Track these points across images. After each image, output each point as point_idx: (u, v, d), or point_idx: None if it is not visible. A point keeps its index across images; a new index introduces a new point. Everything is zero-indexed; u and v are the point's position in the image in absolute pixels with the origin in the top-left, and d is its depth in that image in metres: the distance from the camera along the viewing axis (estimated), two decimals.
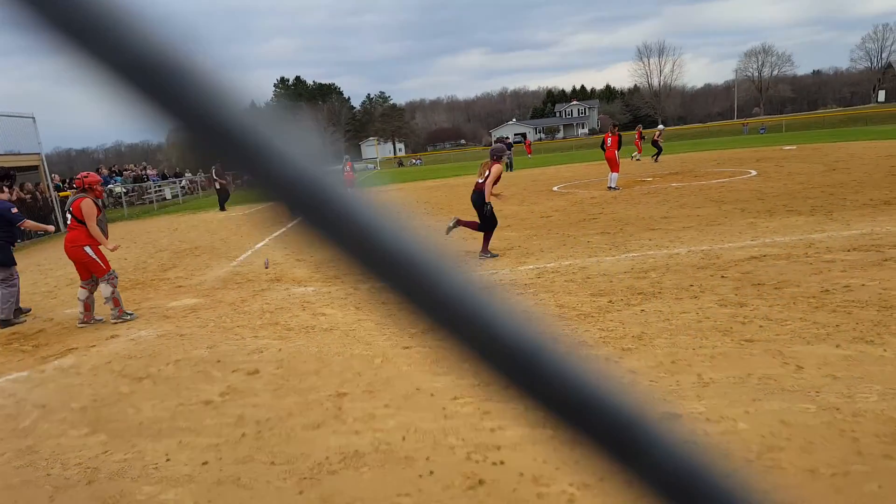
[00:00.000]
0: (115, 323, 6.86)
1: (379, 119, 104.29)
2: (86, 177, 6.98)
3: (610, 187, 15.57)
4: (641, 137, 26.75)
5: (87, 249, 6.78)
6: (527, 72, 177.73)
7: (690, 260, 7.06)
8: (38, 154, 19.30)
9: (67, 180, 23.94)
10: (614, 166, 15.60)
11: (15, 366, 5.69)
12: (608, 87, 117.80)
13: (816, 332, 4.44)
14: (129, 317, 6.99)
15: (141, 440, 3.81)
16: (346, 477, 3.15)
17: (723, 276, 6.18)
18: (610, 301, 5.75)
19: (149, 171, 33.34)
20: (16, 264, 7.80)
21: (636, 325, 4.98)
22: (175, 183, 33.24)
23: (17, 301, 7.75)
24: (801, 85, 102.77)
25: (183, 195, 32.68)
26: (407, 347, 5.05)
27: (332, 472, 3.20)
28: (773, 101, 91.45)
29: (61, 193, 20.18)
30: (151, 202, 28.73)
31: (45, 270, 11.77)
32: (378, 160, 74.39)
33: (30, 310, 8.05)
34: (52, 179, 20.60)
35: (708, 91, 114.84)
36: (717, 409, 3.44)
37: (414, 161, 68.76)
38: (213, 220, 18.79)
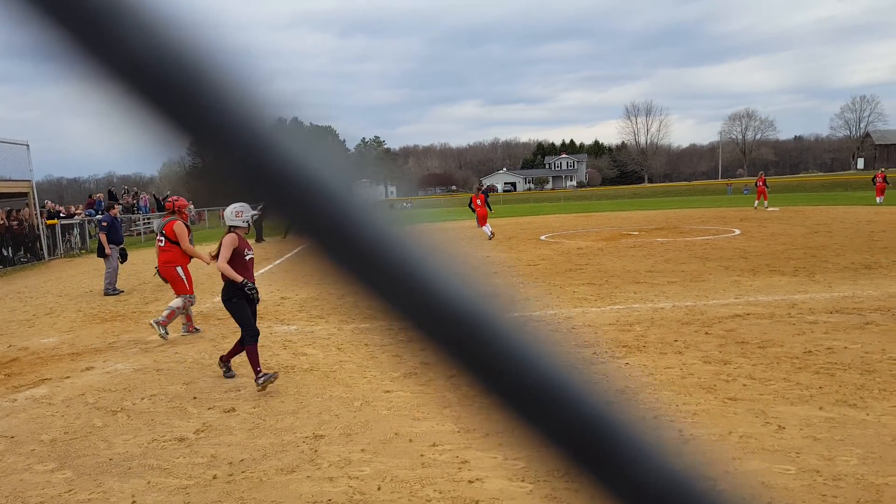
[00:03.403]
0: (153, 326, 7.09)
1: (373, 162, 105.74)
2: (176, 200, 7.63)
3: (490, 237, 17.25)
4: (766, 185, 26.15)
5: (179, 269, 7.35)
6: (519, 124, 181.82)
7: (675, 315, 7.10)
8: (29, 181, 19.21)
9: (59, 208, 23.80)
10: (483, 221, 17.34)
11: None
12: (597, 142, 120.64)
13: (800, 392, 4.45)
14: (165, 334, 7.08)
15: (108, 479, 3.68)
16: None
17: (707, 333, 6.21)
18: (594, 353, 5.74)
19: (141, 197, 33.15)
20: None
21: (620, 379, 4.93)
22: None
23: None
24: (784, 149, 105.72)
25: None
26: (388, 391, 4.99)
27: None
28: (757, 163, 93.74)
29: (48, 221, 19.99)
30: (139, 234, 28.50)
31: (24, 298, 11.55)
32: None
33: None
34: (43, 206, 20.47)
35: (693, 151, 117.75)
36: (697, 467, 3.40)
37: (405, 204, 69.32)
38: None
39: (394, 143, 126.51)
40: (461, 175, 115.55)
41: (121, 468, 3.83)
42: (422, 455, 3.76)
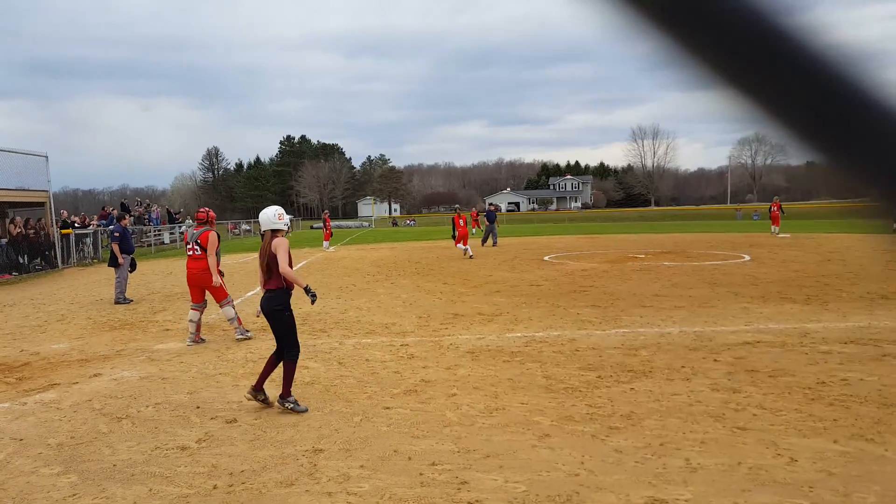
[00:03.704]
0: (240, 340, 7.57)
1: (377, 180, 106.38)
2: (208, 212, 8.02)
3: (470, 256, 18.30)
4: (781, 210, 25.72)
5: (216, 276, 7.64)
6: (524, 145, 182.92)
7: (682, 340, 7.05)
8: (47, 191, 19.56)
9: (74, 218, 24.09)
10: (465, 241, 18.73)
11: None
12: (602, 164, 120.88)
13: (813, 424, 4.36)
14: (248, 334, 7.67)
15: (111, 484, 3.68)
16: None
17: (715, 360, 6.15)
18: (599, 376, 5.70)
19: (152, 210, 33.43)
20: None
21: (625, 404, 4.92)
22: (174, 228, 33.32)
23: None
24: (795, 174, 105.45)
25: (181, 241, 32.70)
26: (387, 408, 4.97)
27: None
28: (767, 188, 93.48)
29: (63, 231, 20.24)
30: (150, 245, 28.70)
31: (37, 305, 11.65)
32: (373, 219, 75.15)
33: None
34: (59, 216, 20.74)
35: (701, 175, 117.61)
36: (705, 496, 3.36)
37: (408, 222, 69.46)
38: None
39: (399, 162, 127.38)
40: (465, 194, 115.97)
41: (124, 474, 3.83)
42: (421, 474, 3.74)
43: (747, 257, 16.57)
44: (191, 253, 7.70)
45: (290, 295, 4.96)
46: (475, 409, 4.87)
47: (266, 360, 5.12)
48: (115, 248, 11.34)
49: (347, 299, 10.38)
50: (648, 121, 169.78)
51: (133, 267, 11.76)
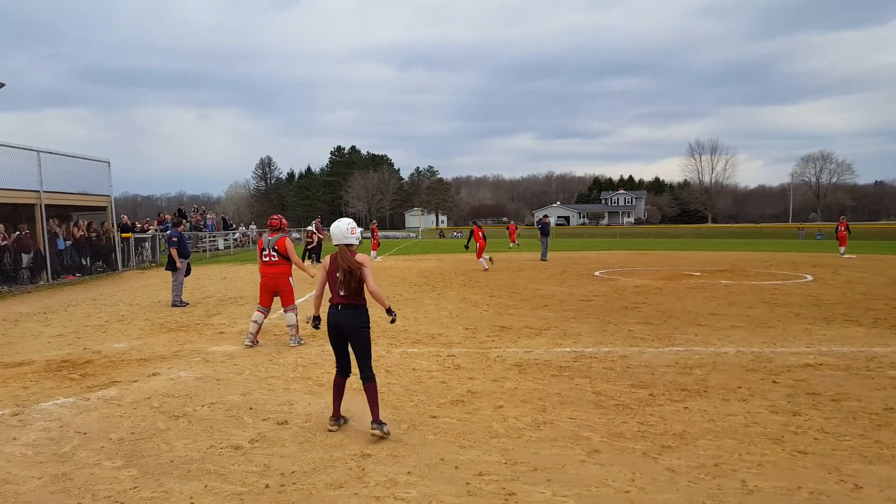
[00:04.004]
0: (294, 346, 7.78)
1: (425, 191, 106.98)
2: (281, 219, 8.38)
3: (485, 269, 18.63)
4: (848, 230, 24.87)
5: (290, 280, 8.02)
6: (575, 158, 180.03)
7: (739, 360, 6.81)
8: (108, 196, 20.47)
9: (144, 223, 25.22)
10: (480, 253, 19.28)
11: (63, 392, 5.86)
12: (657, 179, 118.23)
13: (879, 451, 4.15)
14: (302, 342, 7.96)
15: (169, 479, 3.82)
16: None
17: (774, 381, 5.92)
18: (651, 394, 5.56)
19: (208, 217, 34.68)
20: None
21: (678, 423, 4.78)
22: (228, 235, 34.48)
23: None
24: (862, 194, 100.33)
25: (234, 247, 33.77)
26: (434, 417, 4.98)
27: None
28: (832, 207, 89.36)
29: (123, 235, 21.17)
30: (205, 251, 29.72)
31: (99, 305, 12.21)
32: (420, 230, 75.70)
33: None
34: (120, 220, 21.72)
35: (762, 192, 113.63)
36: None
37: (455, 234, 69.54)
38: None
39: (447, 173, 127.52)
40: (513, 207, 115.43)
41: (181, 470, 3.97)
42: (468, 483, 3.72)
43: (809, 277, 15.90)
44: (267, 259, 7.98)
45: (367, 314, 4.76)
46: (522, 422, 4.82)
47: (333, 388, 4.83)
48: (174, 252, 11.78)
49: (394, 309, 10.41)
50: (707, 135, 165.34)
51: (188, 271, 12.19)
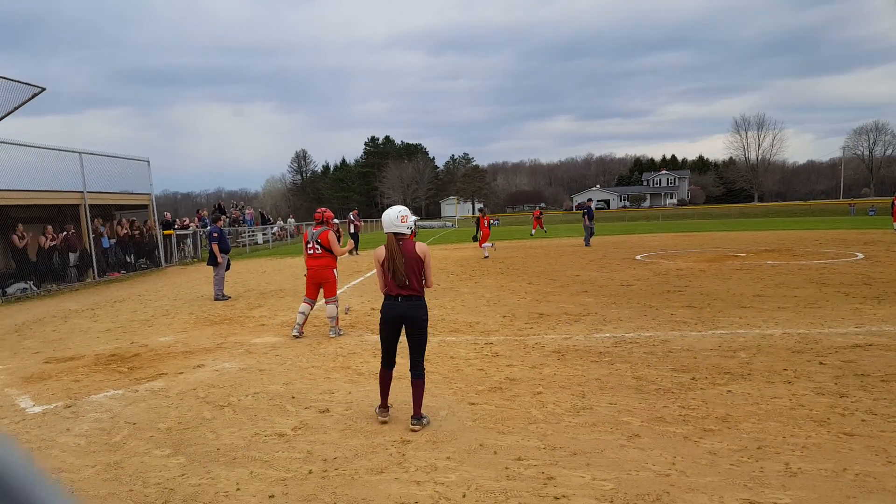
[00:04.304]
0: (333, 337, 7.93)
1: (461, 179, 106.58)
2: (325, 212, 8.54)
3: (486, 256, 19.23)
4: None
5: (335, 272, 8.19)
6: (615, 139, 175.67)
7: (785, 342, 6.63)
8: (149, 194, 21.09)
9: (175, 220, 25.94)
10: (484, 240, 19.75)
11: (112, 384, 6.12)
12: (701, 157, 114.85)
13: None
14: (341, 332, 8.16)
15: (216, 466, 3.96)
16: None
17: (821, 363, 5.75)
18: (693, 378, 5.47)
19: (246, 212, 35.44)
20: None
21: (721, 406, 4.70)
22: (267, 229, 35.19)
23: None
24: None
25: (273, 241, 34.47)
26: (473, 403, 5.01)
27: None
28: (886, 181, 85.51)
29: (165, 232, 21.81)
30: (244, 245, 30.40)
31: (144, 301, 12.65)
32: (456, 218, 75.68)
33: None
34: (163, 217, 22.36)
35: (811, 168, 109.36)
36: (805, 502, 3.16)
37: (492, 221, 69.37)
38: (299, 264, 19.62)
39: (483, 160, 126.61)
40: (550, 192, 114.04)
41: (227, 457, 4.11)
42: (507, 468, 3.75)
43: (860, 255, 15.30)
44: (311, 252, 8.12)
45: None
46: (561, 408, 4.82)
47: (380, 381, 4.75)
48: (215, 247, 12.09)
49: (431, 298, 10.54)
50: (753, 111, 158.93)
51: (228, 266, 12.51)
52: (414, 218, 4.77)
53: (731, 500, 3.22)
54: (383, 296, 4.67)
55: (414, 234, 4.77)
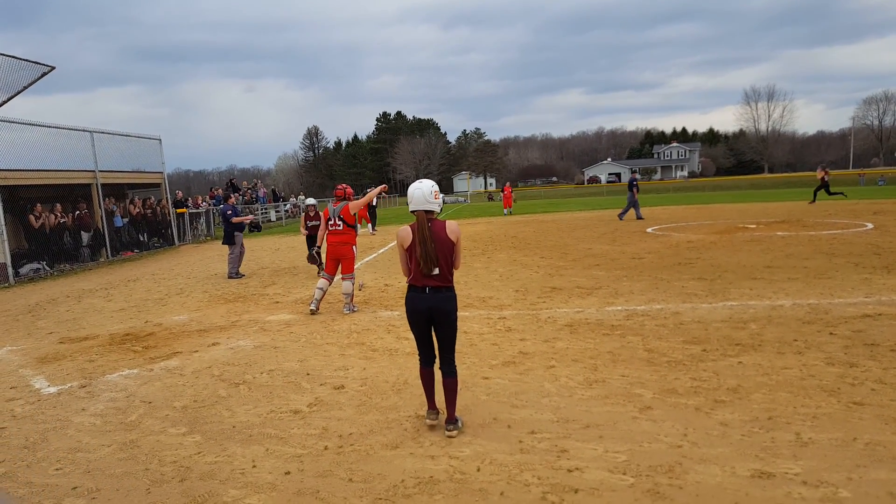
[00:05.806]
0: (347, 314, 8.00)
1: (473, 154, 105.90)
2: (346, 188, 8.68)
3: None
4: None
5: (354, 248, 8.31)
6: (626, 112, 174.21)
7: (795, 313, 6.62)
8: (161, 173, 21.09)
9: (187, 198, 26.02)
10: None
11: (127, 363, 6.21)
12: (711, 130, 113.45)
13: None
14: (356, 308, 8.20)
15: (231, 444, 4.04)
16: (420, 503, 3.17)
17: (831, 333, 5.75)
18: (704, 350, 5.49)
19: (259, 189, 35.48)
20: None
21: (732, 377, 4.72)
22: (280, 207, 35.26)
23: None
24: None
25: (286, 218, 34.57)
26: (486, 378, 5.06)
27: (407, 496, 3.23)
28: None
29: (178, 210, 21.88)
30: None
31: (158, 280, 12.77)
32: (469, 194, 75.38)
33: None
34: (175, 195, 22.45)
35: (821, 138, 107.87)
36: (816, 471, 3.19)
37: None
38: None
39: (494, 135, 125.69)
40: (562, 166, 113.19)
41: (243, 435, 4.18)
42: (520, 441, 3.80)
43: (870, 225, 15.15)
44: (332, 228, 8.23)
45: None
46: (574, 381, 4.85)
47: (423, 381, 4.23)
48: (236, 221, 12.24)
49: None
50: (763, 81, 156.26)
51: (259, 228, 12.59)
52: (442, 195, 4.29)
53: (743, 470, 3.25)
54: (407, 283, 4.15)
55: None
